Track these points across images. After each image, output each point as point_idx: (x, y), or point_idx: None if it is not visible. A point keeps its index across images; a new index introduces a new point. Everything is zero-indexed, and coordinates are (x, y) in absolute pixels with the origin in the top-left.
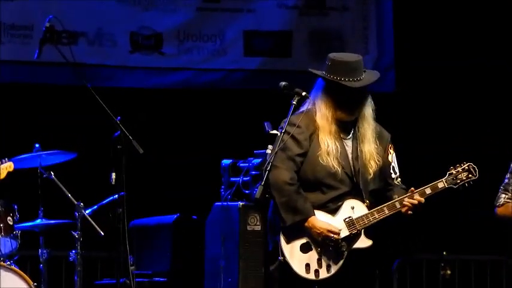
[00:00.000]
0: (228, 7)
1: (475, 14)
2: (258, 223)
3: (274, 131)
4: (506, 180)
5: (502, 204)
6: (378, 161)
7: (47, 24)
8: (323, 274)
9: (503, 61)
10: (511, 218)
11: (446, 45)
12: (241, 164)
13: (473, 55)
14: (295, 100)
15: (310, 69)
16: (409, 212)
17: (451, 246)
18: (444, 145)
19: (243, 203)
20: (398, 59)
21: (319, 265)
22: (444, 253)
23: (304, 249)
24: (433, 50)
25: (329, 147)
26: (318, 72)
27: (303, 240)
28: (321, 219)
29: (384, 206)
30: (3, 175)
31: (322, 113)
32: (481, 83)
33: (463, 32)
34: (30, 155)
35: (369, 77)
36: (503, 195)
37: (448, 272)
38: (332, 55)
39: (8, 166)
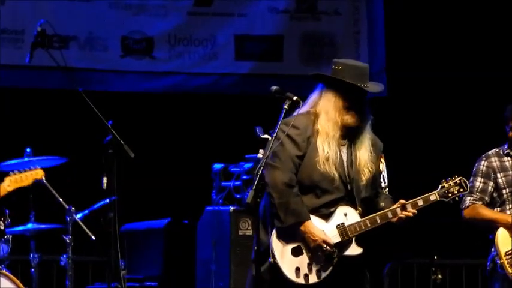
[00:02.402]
0: (219, 11)
1: (468, 24)
2: (249, 227)
3: (266, 136)
4: (471, 183)
5: (468, 206)
6: (371, 168)
7: (38, 29)
8: (312, 279)
9: (499, 72)
10: (477, 220)
11: (437, 53)
12: (232, 169)
13: (466, 64)
14: (287, 104)
15: (315, 73)
16: (403, 221)
17: (442, 250)
18: (436, 150)
19: (234, 208)
20: (390, 65)
21: (309, 270)
22: (435, 257)
23: (295, 252)
24: (425, 56)
25: (327, 154)
26: (328, 75)
27: (295, 244)
28: (316, 226)
29: (376, 215)
30: (29, 181)
31: (330, 117)
32: (471, 91)
33: (453, 42)
34: (21, 159)
35: (373, 83)
36: (469, 198)
37: (439, 276)
38: (340, 60)
39: (35, 173)
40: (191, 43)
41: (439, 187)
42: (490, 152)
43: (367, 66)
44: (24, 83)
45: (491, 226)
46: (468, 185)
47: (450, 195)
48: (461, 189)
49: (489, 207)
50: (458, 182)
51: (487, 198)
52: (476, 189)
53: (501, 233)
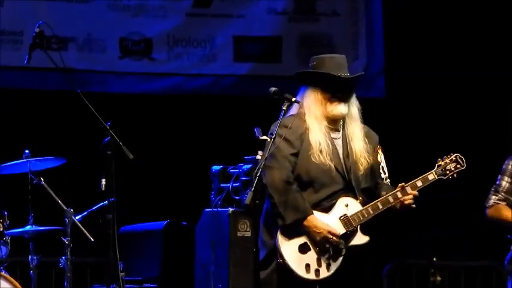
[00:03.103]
0: (217, 12)
1: (467, 24)
2: (248, 229)
3: (264, 137)
4: (498, 182)
5: (492, 206)
6: (368, 159)
7: (37, 30)
8: (324, 273)
9: (497, 72)
10: (500, 220)
11: (436, 53)
12: (231, 170)
13: (464, 66)
14: (285, 105)
15: (297, 71)
16: (412, 206)
17: (441, 251)
18: (435, 150)
19: (233, 209)
20: (389, 67)
21: (319, 264)
22: (434, 259)
23: (303, 249)
24: (423, 57)
25: (321, 146)
26: (306, 70)
27: (301, 241)
28: (320, 219)
29: (377, 202)
30: None
31: (312, 111)
32: (469, 91)
33: (452, 42)
34: (19, 161)
35: (354, 72)
36: (494, 197)
37: (438, 277)
38: (316, 56)
39: None
40: (190, 44)
41: (436, 166)
42: None
43: (343, 56)
44: (22, 84)
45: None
46: (465, 161)
47: (448, 172)
48: (458, 166)
49: None
50: (454, 158)
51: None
52: (502, 188)
53: None
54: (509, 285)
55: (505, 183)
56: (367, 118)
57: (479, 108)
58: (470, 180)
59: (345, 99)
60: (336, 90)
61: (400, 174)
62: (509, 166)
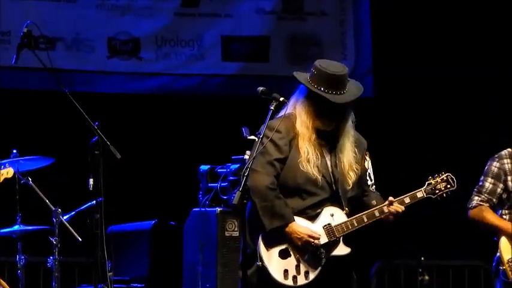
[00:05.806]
0: (206, 12)
1: (454, 20)
2: (235, 229)
3: (252, 137)
4: (481, 183)
5: (475, 207)
6: (357, 169)
7: (25, 30)
8: (301, 281)
9: (483, 67)
10: (482, 222)
11: (424, 50)
12: (219, 170)
13: (450, 61)
14: (273, 105)
15: (295, 73)
16: (391, 218)
17: (429, 251)
18: (422, 151)
19: (221, 209)
20: (376, 64)
21: (298, 271)
22: (422, 258)
23: (283, 255)
24: (411, 55)
25: (309, 155)
26: (302, 79)
27: (282, 246)
28: (301, 225)
29: (363, 215)
30: None
31: (302, 120)
32: (458, 88)
33: (440, 38)
34: (7, 160)
35: (352, 89)
36: (477, 197)
37: (426, 277)
38: (318, 63)
39: (6, 172)
40: (178, 44)
41: (426, 184)
42: (503, 153)
43: (345, 73)
44: (10, 84)
45: (494, 231)
46: (455, 182)
47: (437, 191)
48: (449, 186)
49: (497, 207)
50: (445, 178)
51: (495, 200)
52: (485, 190)
53: (503, 241)
54: (497, 286)
55: (488, 185)
56: (355, 118)
57: (470, 104)
58: (461, 178)
59: (336, 118)
60: (326, 110)
61: (392, 170)
62: (492, 167)
